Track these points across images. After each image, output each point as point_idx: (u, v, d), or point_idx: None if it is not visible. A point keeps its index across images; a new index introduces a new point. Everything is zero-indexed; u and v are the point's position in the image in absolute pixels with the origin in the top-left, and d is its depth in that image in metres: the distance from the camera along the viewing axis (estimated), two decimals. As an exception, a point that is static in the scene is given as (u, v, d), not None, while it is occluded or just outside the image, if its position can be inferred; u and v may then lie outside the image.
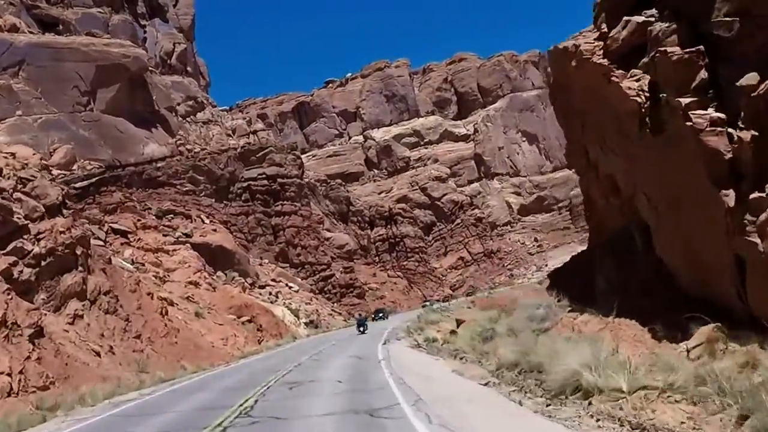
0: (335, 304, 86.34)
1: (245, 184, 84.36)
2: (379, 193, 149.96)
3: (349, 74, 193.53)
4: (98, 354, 29.53)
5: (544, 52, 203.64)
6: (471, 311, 37.76)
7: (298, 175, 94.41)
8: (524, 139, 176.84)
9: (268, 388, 20.08)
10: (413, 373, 19.27)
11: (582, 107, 26.55)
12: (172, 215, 67.58)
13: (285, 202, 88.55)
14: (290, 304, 62.15)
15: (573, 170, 45.80)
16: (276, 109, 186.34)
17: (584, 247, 40.29)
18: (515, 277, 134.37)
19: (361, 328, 49.33)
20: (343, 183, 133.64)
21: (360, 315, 63.73)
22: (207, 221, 68.74)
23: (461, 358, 21.11)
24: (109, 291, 34.86)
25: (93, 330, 31.49)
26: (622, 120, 21.13)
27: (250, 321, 51.46)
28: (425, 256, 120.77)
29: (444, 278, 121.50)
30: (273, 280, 69.44)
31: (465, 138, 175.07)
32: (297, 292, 70.25)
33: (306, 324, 61.39)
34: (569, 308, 22.29)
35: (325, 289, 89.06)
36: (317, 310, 65.57)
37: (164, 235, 60.36)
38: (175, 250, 57.11)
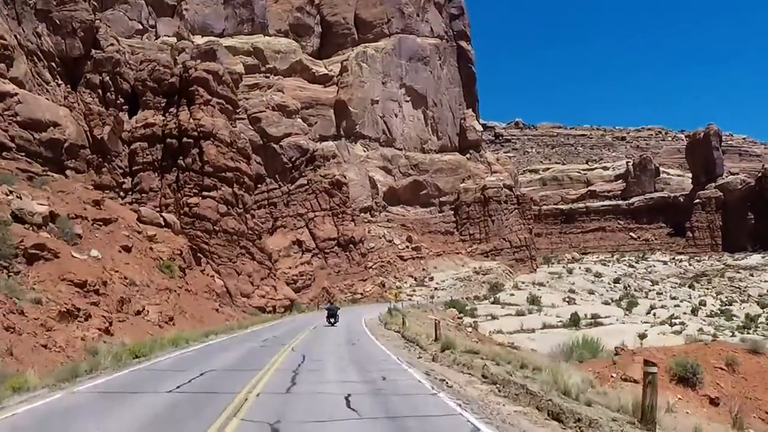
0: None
1: None
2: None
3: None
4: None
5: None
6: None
7: None
8: (408, 98, 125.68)
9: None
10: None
11: None
12: None
13: None
14: None
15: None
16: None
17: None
18: (387, 288, 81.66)
19: (332, 320, 40.74)
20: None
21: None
22: None
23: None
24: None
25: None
26: None
27: None
28: (247, 201, 59.98)
29: (276, 265, 63.26)
30: None
31: (325, 80, 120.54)
32: None
33: None
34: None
35: None
36: None
37: None
38: None
